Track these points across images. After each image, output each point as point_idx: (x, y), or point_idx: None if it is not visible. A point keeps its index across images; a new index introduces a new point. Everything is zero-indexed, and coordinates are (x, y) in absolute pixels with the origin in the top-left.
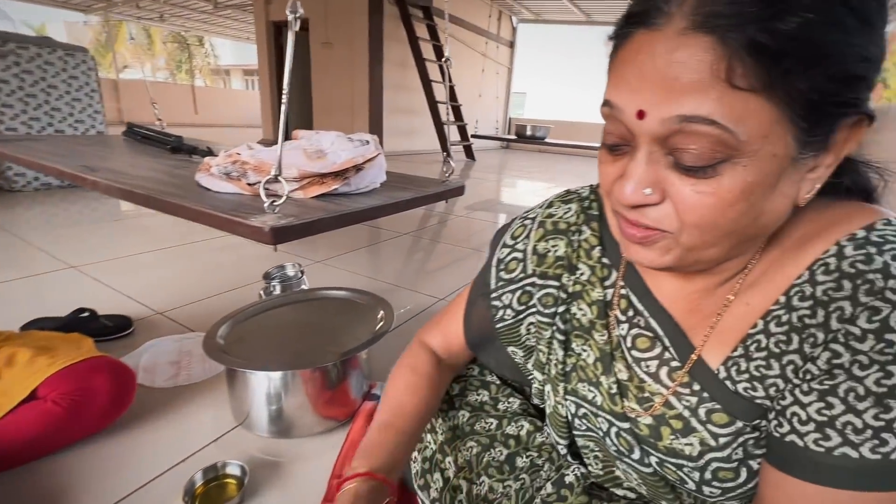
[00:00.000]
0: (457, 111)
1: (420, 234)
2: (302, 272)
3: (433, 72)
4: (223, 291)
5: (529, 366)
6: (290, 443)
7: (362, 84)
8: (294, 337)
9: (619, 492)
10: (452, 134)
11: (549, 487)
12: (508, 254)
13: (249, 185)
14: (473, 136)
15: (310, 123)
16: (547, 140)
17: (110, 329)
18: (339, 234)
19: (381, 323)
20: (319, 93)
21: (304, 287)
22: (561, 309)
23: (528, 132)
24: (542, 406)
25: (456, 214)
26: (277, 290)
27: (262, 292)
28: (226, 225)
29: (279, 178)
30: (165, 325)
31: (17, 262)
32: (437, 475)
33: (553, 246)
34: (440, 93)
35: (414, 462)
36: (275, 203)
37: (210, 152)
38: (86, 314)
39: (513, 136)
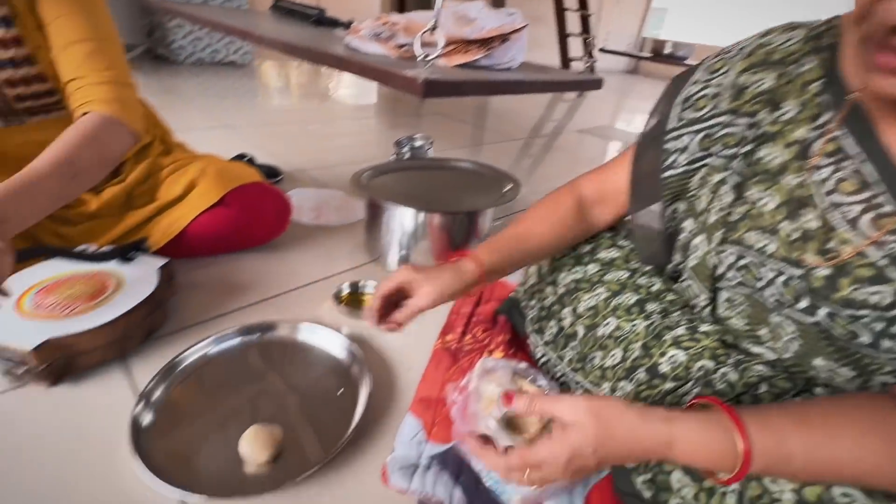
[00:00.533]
0: (585, 21)
1: (530, 143)
2: (431, 143)
3: None
4: (355, 160)
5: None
6: None
7: None
8: (426, 192)
9: (756, 349)
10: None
11: (681, 329)
12: (700, 90)
13: (398, 46)
14: (603, 50)
15: None
16: (689, 62)
17: (264, 173)
18: (447, 130)
19: (509, 190)
20: None
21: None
22: (745, 150)
23: (668, 50)
24: (678, 265)
25: (568, 131)
26: (407, 157)
27: (393, 157)
28: (380, 76)
29: (435, 30)
30: (305, 180)
31: (181, 119)
32: (552, 322)
33: (759, 79)
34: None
35: (531, 309)
36: (428, 57)
37: (350, 24)
38: (246, 158)
39: (648, 55)
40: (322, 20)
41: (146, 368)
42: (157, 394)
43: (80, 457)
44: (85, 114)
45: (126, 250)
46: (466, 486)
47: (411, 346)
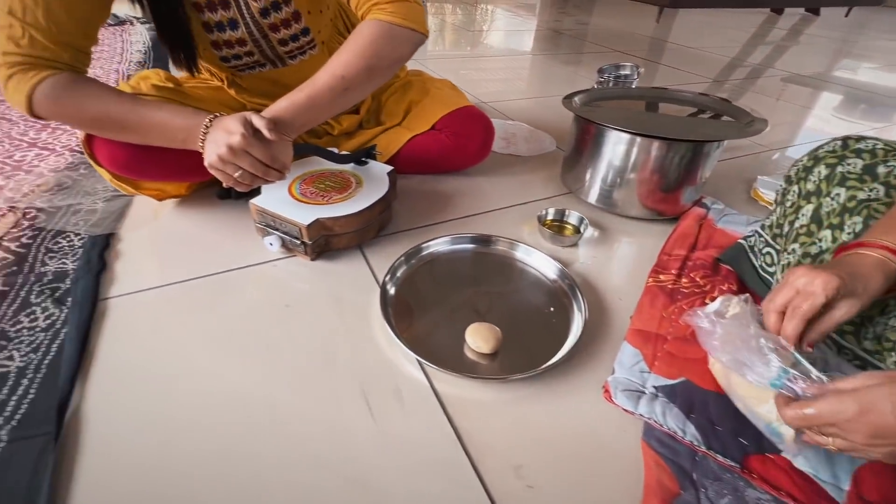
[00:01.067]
0: None
1: (716, 87)
2: (639, 72)
3: None
4: (531, 95)
5: None
6: (614, 218)
7: None
8: (644, 122)
9: None
10: None
11: None
12: None
13: None
14: None
15: None
16: None
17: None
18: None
19: (752, 123)
20: None
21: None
22: None
23: None
24: None
25: (769, 76)
26: (610, 86)
27: (594, 86)
28: None
29: None
30: (492, 113)
31: None
32: None
33: None
34: None
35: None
36: None
37: None
38: None
39: None
40: None
41: (380, 258)
42: (398, 275)
43: (338, 314)
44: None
45: (361, 155)
46: (700, 424)
47: (620, 276)
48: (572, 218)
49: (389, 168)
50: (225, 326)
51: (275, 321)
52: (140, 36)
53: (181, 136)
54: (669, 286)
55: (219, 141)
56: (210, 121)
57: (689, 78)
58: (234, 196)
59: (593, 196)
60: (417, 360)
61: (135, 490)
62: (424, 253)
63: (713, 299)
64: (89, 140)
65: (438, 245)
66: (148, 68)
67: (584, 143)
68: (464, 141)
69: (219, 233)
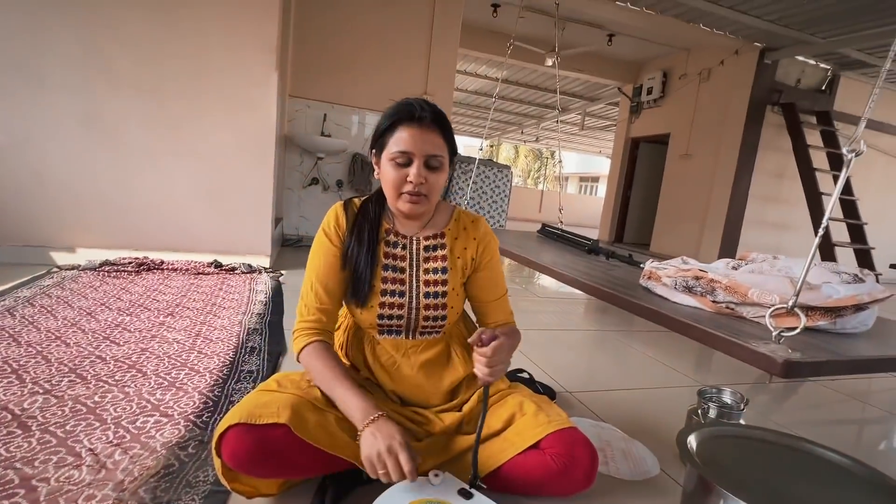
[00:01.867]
0: (856, 231)
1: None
2: (746, 403)
3: (824, 183)
4: (634, 388)
5: None
6: None
7: (721, 195)
8: (786, 489)
9: None
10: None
11: None
12: None
13: (714, 302)
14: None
15: (649, 233)
16: None
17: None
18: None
19: None
20: (667, 202)
21: (741, 421)
22: None
23: None
24: None
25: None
26: (712, 414)
27: (698, 412)
28: (719, 343)
29: (796, 309)
30: (576, 407)
31: None
32: None
33: None
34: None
35: None
36: (783, 334)
37: (631, 260)
38: (525, 375)
39: None
40: (596, 250)
41: None
42: None
43: None
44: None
45: (470, 485)
46: None
47: None
48: None
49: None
50: None
51: None
52: (265, 284)
53: (356, 415)
54: None
55: (379, 439)
56: (377, 417)
57: (811, 428)
58: None
59: None
60: None
61: None
62: None
63: None
64: (222, 434)
65: None
66: (266, 320)
67: (710, 499)
68: (569, 466)
69: None
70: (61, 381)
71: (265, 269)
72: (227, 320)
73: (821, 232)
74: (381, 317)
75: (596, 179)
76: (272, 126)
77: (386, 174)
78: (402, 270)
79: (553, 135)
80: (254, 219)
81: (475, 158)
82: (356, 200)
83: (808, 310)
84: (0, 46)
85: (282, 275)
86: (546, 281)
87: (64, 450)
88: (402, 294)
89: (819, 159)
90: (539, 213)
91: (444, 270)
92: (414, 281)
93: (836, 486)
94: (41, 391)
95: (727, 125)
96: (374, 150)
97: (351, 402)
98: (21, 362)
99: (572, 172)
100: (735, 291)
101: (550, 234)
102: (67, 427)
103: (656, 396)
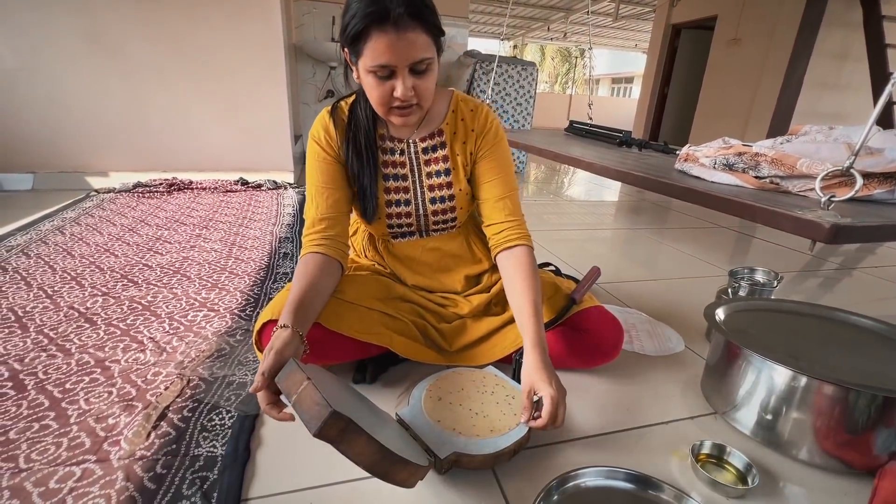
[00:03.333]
0: None
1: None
2: (779, 280)
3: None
4: (662, 278)
5: None
6: (783, 462)
7: (770, 84)
8: (812, 351)
9: None
10: None
11: None
12: None
13: (757, 178)
14: None
15: (686, 133)
16: None
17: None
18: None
19: None
20: (708, 97)
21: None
22: None
23: None
24: None
25: None
26: (742, 292)
27: (728, 291)
28: (759, 215)
29: (853, 170)
30: (602, 296)
31: None
32: None
33: None
34: None
35: None
36: (833, 199)
37: (666, 148)
38: (552, 268)
39: None
40: (628, 141)
41: (514, 482)
42: None
43: None
44: (513, 246)
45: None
46: None
47: None
48: (735, 458)
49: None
50: None
51: None
52: (291, 198)
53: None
54: None
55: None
56: (279, 330)
57: (850, 298)
58: (368, 380)
59: (747, 424)
60: None
61: None
62: (569, 485)
63: None
64: (262, 328)
65: (587, 478)
66: (296, 230)
67: (735, 364)
68: (595, 339)
69: None
70: (116, 285)
71: (289, 184)
72: (258, 231)
73: (888, 89)
74: (390, 226)
75: (630, 80)
76: (279, 33)
77: (368, 87)
78: (405, 178)
79: (583, 28)
80: (273, 135)
81: (497, 56)
82: (343, 105)
83: (865, 176)
84: None
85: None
86: (575, 190)
87: (128, 339)
88: (407, 203)
89: (893, 33)
90: (566, 120)
91: (446, 172)
92: (418, 187)
93: (868, 349)
94: (100, 294)
95: (785, 1)
96: (346, 50)
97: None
98: (78, 271)
99: (604, 74)
100: (782, 164)
101: (579, 129)
102: (128, 321)
103: (685, 286)
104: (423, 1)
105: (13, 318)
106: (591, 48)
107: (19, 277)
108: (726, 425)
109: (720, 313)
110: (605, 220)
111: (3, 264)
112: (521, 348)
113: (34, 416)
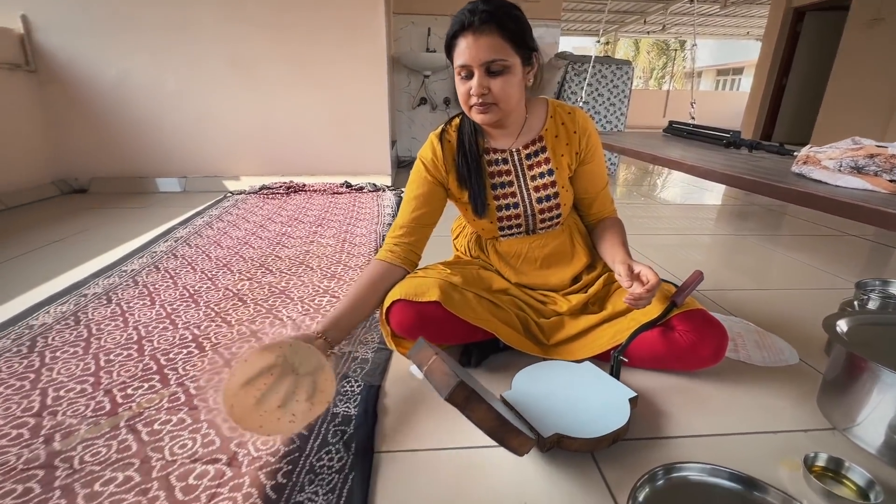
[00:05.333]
0: None
1: None
2: None
3: None
4: (774, 288)
5: None
6: None
7: None
8: None
9: None
10: None
11: None
12: None
13: (893, 181)
14: None
15: (808, 128)
16: None
17: None
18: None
19: None
20: (839, 88)
21: None
22: None
23: None
24: None
25: None
26: (872, 305)
27: (854, 304)
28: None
29: None
30: (705, 304)
31: None
32: None
33: None
34: None
35: None
36: None
37: (781, 149)
38: None
39: None
40: (737, 142)
41: (614, 468)
42: (640, 498)
43: None
44: (606, 217)
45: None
46: None
47: None
48: (855, 474)
49: (632, 395)
50: None
51: None
52: (390, 200)
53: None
54: None
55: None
56: (320, 338)
57: None
58: (472, 364)
59: (871, 442)
60: None
61: None
62: (674, 476)
63: None
64: (389, 308)
65: (692, 472)
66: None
67: (859, 378)
68: (697, 344)
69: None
70: (256, 272)
71: (388, 187)
72: (364, 229)
73: None
74: (501, 228)
75: (738, 71)
76: (382, 47)
77: (456, 87)
78: (511, 184)
79: (685, 18)
80: (374, 141)
81: (590, 56)
82: (449, 127)
83: None
84: (166, 13)
85: (402, 192)
86: (670, 193)
87: (271, 316)
88: (515, 206)
89: None
90: (662, 118)
91: (549, 172)
92: (524, 191)
93: None
94: (245, 279)
95: None
96: (449, 63)
97: (336, 313)
98: (226, 260)
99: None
100: None
101: (679, 130)
102: (269, 302)
103: (802, 297)
104: (506, 12)
105: (188, 295)
106: (695, 44)
107: (186, 263)
108: (846, 441)
109: (842, 325)
110: (704, 224)
111: (173, 252)
112: (619, 345)
113: (214, 367)
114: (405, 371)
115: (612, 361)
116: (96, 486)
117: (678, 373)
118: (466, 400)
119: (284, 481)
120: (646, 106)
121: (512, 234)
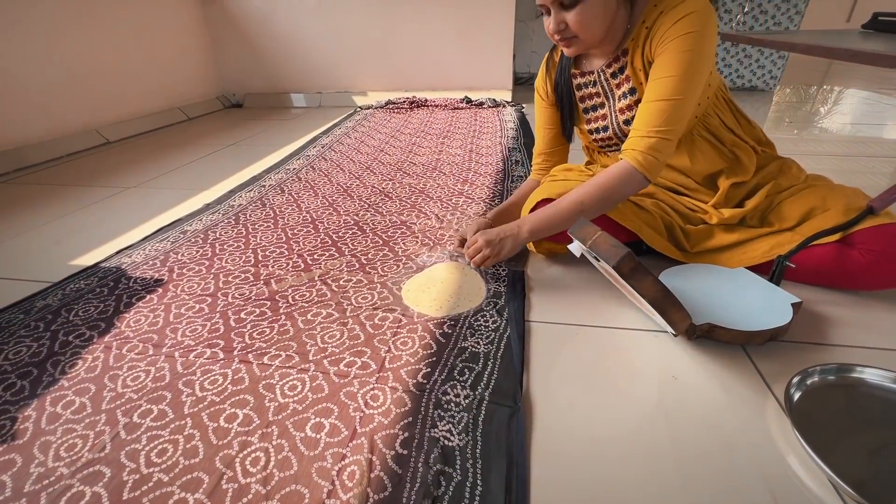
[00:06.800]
0: None
1: None
2: None
3: None
4: None
5: None
6: None
7: None
8: None
9: None
10: None
11: None
12: None
13: None
14: None
15: None
16: None
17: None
18: None
19: None
20: None
21: None
22: None
23: None
24: None
25: None
26: None
27: None
28: None
29: None
30: None
31: None
32: None
33: None
34: None
35: None
36: None
37: None
38: None
39: None
40: None
41: (769, 362)
42: (807, 384)
43: (727, 405)
44: (620, 159)
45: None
46: None
47: None
48: None
49: (795, 300)
50: (611, 382)
51: (663, 390)
52: (510, 115)
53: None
54: None
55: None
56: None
57: None
58: None
59: None
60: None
61: (575, 461)
62: (851, 375)
63: None
64: (535, 205)
65: (871, 376)
66: (520, 140)
67: None
68: (881, 262)
69: (589, 290)
70: (395, 174)
71: (508, 102)
72: (489, 141)
73: None
74: (601, 148)
75: None
76: None
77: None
78: (602, 106)
79: None
80: (496, 55)
81: None
82: (556, 51)
83: None
84: None
85: (523, 107)
86: (836, 123)
87: (416, 210)
88: (605, 129)
89: None
90: (846, 22)
91: (632, 92)
92: (613, 112)
93: None
94: (388, 180)
95: None
96: None
97: (502, 207)
98: (368, 164)
99: None
100: None
101: (889, 24)
102: (412, 199)
103: None
104: None
105: (342, 189)
106: None
107: (335, 165)
108: None
109: None
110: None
111: (322, 156)
112: (781, 256)
113: (376, 245)
114: (543, 262)
115: (775, 266)
116: (308, 316)
117: (850, 291)
118: (633, 270)
119: (450, 332)
120: (824, 4)
121: (611, 149)
